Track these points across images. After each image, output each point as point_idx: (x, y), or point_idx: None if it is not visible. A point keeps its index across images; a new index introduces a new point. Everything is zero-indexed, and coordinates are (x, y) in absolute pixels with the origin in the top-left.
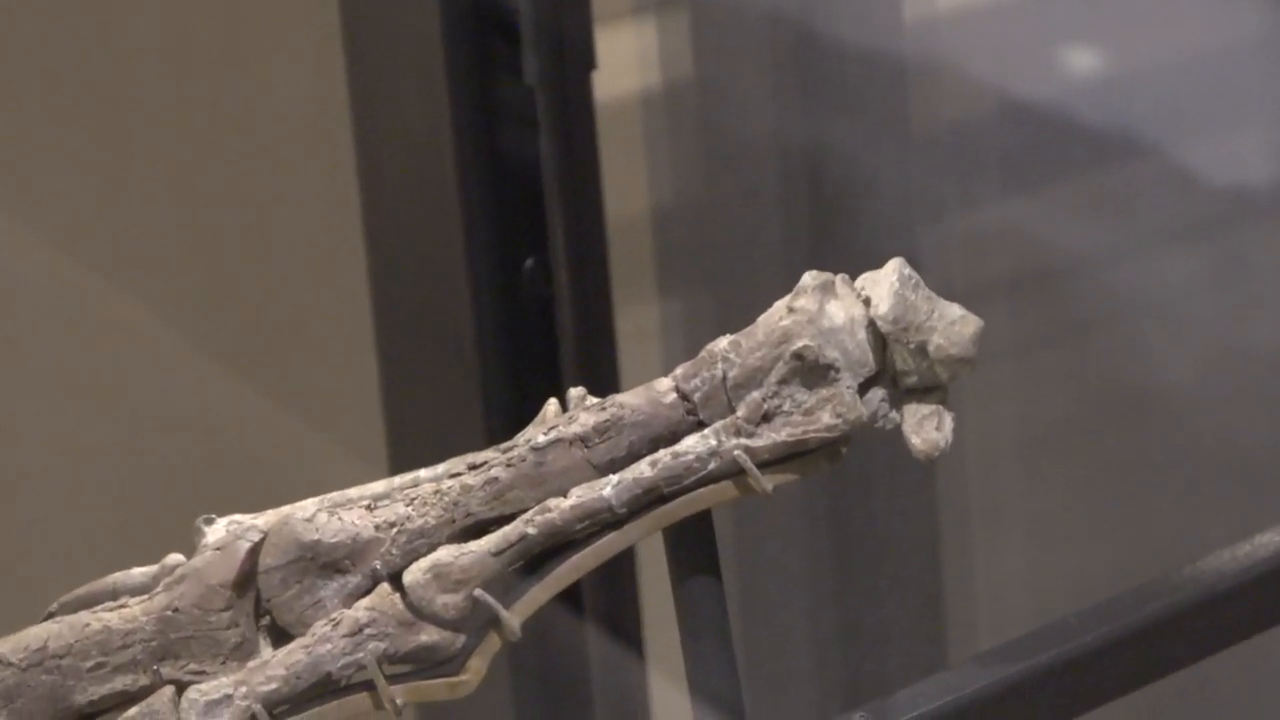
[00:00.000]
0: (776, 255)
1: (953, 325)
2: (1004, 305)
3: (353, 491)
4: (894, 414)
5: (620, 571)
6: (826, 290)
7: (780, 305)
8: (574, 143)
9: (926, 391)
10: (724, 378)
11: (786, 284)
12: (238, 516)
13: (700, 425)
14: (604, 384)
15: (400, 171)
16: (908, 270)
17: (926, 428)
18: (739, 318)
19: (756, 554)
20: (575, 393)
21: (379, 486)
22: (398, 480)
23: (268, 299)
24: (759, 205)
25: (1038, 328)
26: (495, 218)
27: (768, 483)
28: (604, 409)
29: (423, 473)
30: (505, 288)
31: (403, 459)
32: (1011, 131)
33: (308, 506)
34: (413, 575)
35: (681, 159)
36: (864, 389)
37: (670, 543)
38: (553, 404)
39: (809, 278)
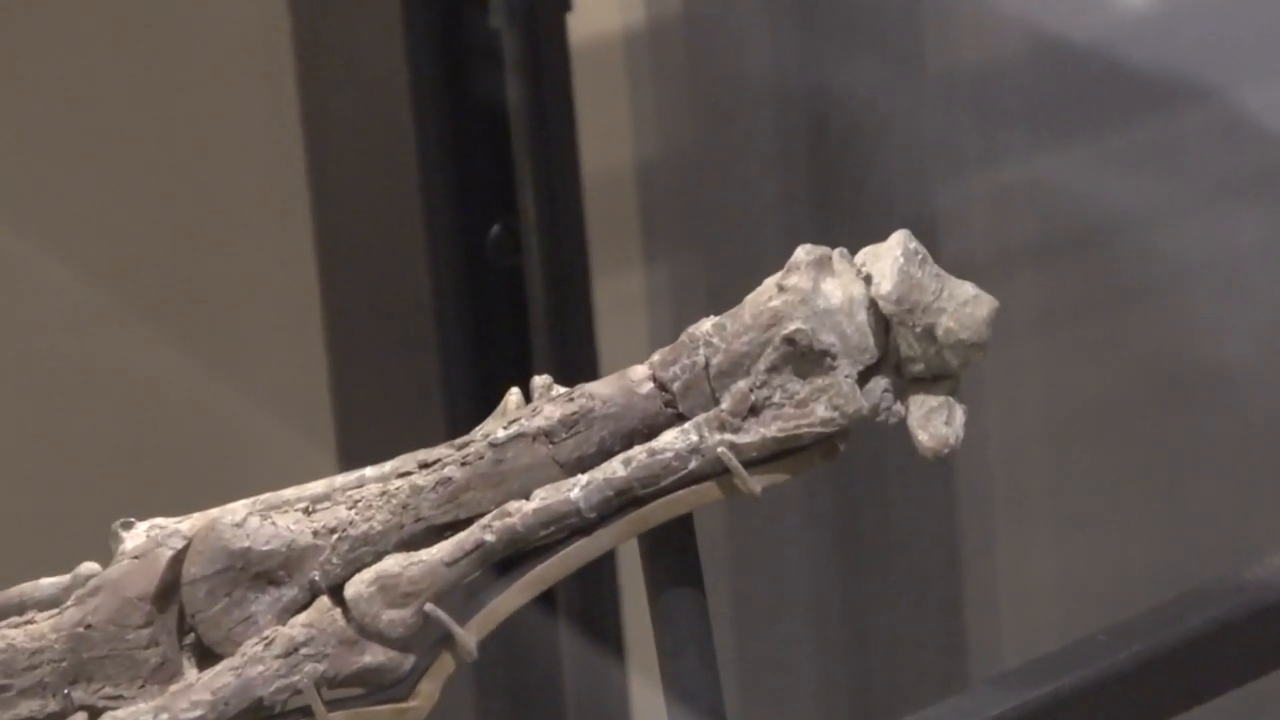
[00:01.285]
0: (775, 215)
1: (964, 306)
2: (1032, 273)
3: (288, 493)
4: (898, 406)
5: (598, 570)
6: (822, 266)
7: (770, 283)
8: (547, 90)
9: (935, 380)
10: (706, 365)
11: (786, 248)
12: (159, 520)
13: (680, 419)
14: (580, 364)
15: (351, 124)
16: (914, 244)
17: (934, 422)
18: (733, 287)
19: (752, 555)
20: (540, 381)
21: (318, 487)
22: (340, 480)
23: (204, 265)
24: (755, 158)
25: (1070, 298)
26: (457, 177)
27: (756, 483)
28: (571, 400)
29: (369, 471)
30: (468, 256)
31: (353, 448)
32: (1041, 73)
33: (237, 509)
34: (355, 588)
35: (668, 107)
36: (864, 378)
37: (646, 550)
38: (514, 394)
39: (802, 252)
